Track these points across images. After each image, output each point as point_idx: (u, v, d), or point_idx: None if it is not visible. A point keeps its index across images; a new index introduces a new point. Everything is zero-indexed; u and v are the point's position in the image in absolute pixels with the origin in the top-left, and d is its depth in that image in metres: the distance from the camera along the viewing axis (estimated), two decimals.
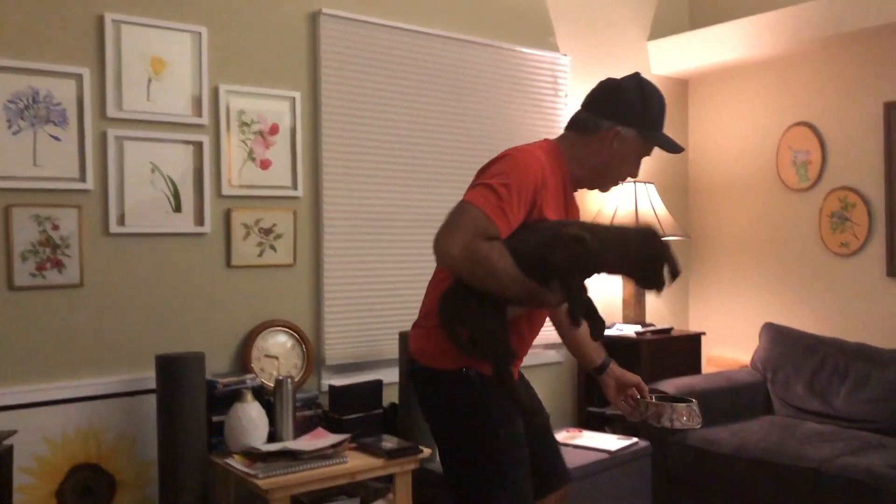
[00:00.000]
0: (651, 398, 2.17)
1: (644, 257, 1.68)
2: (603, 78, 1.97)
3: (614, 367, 2.19)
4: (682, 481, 3.33)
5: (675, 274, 1.69)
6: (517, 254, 1.69)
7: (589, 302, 1.78)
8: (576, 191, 1.98)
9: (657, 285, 1.70)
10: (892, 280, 3.73)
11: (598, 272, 1.74)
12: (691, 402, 2.17)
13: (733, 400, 3.66)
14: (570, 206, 1.95)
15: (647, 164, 4.30)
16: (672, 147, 1.87)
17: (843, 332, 3.89)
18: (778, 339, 3.88)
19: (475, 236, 1.67)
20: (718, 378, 3.74)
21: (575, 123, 1.93)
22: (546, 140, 1.96)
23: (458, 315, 1.79)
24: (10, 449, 2.16)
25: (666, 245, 1.69)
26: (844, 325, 3.90)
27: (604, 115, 1.87)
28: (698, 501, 3.27)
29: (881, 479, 2.72)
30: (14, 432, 2.22)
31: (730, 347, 4.40)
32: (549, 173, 1.81)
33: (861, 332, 3.82)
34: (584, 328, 1.83)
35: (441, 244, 1.68)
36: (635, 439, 3.31)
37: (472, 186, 1.78)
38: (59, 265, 2.63)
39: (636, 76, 1.92)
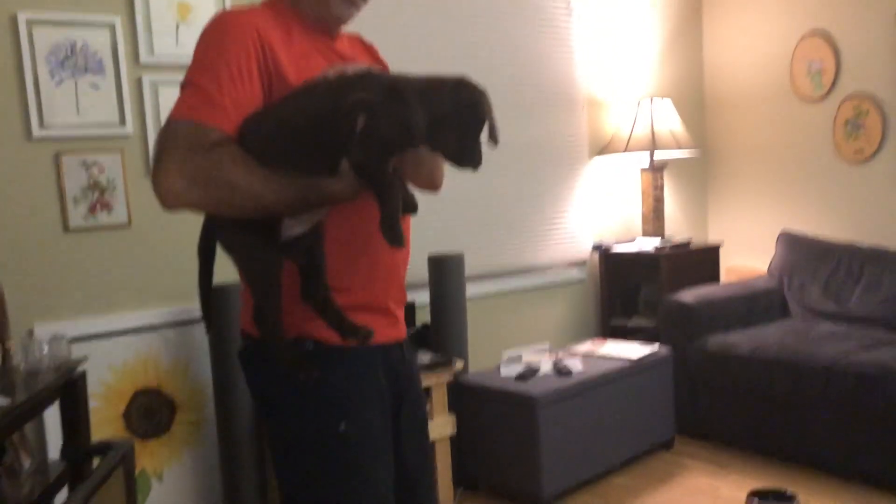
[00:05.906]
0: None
1: (462, 105, 1.27)
2: None
3: None
4: (702, 383, 3.52)
5: (494, 137, 1.31)
6: (274, 139, 1.30)
7: (408, 197, 1.36)
8: (334, 34, 1.51)
9: (474, 155, 1.29)
10: None
11: (406, 142, 1.28)
12: (796, 497, 2.39)
13: (750, 306, 3.81)
14: (343, 57, 1.50)
15: (662, 78, 4.41)
16: None
17: (857, 237, 4.00)
18: (794, 245, 4.00)
19: (191, 153, 1.24)
20: (736, 286, 3.89)
21: None
22: None
23: (210, 247, 1.46)
24: (83, 374, 2.37)
25: (485, 94, 1.31)
26: (859, 230, 4.00)
27: None
28: (717, 401, 3.46)
29: (889, 371, 2.87)
30: (85, 358, 2.43)
31: (748, 257, 4.53)
32: (269, 26, 1.38)
33: (875, 236, 3.93)
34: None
35: (157, 181, 1.24)
36: (657, 346, 3.49)
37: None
38: (107, 207, 2.80)
39: None
